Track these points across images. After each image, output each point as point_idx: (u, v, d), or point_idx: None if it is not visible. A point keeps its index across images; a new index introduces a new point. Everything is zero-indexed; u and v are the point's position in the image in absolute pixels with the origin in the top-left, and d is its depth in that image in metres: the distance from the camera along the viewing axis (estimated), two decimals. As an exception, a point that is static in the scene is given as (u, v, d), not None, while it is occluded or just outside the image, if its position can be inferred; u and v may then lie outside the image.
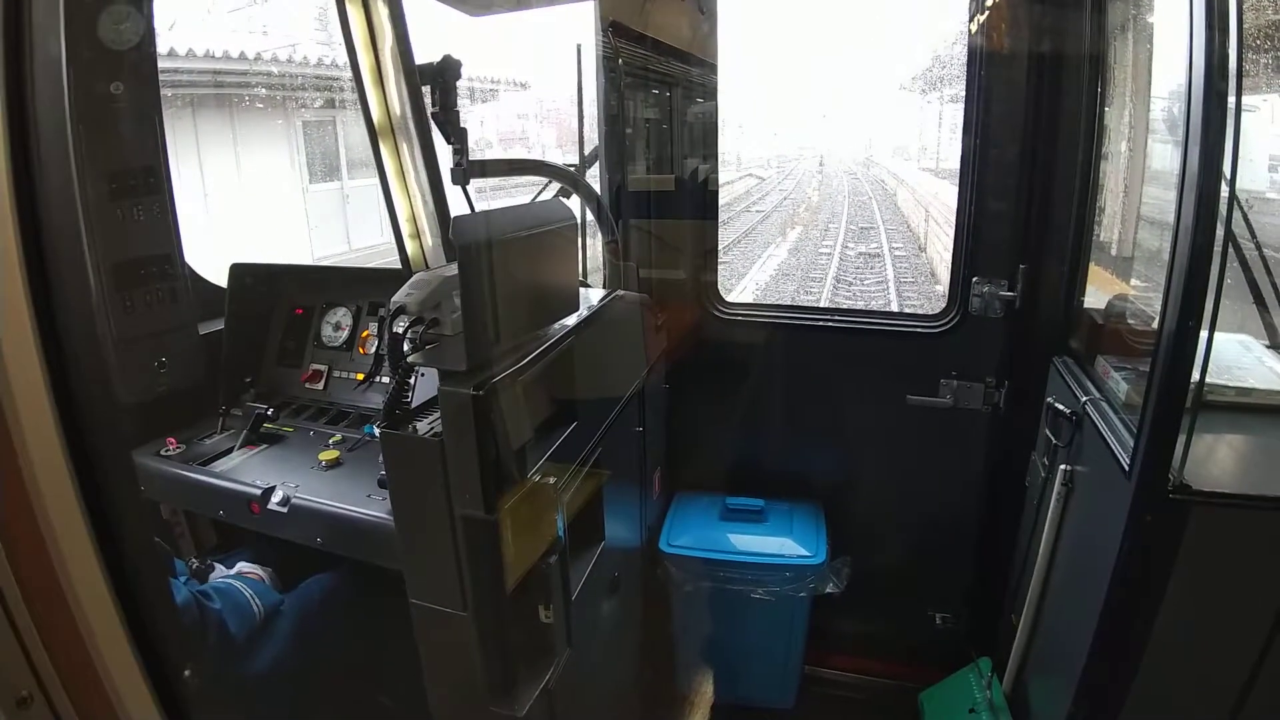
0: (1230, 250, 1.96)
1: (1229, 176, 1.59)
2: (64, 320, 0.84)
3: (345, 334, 2.69)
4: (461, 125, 2.02)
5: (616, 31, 2.78)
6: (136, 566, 0.92)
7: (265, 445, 2.39)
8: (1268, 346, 2.50)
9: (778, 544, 2.89)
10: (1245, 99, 1.57)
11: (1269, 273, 2.49)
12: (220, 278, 2.69)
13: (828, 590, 2.86)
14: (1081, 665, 1.97)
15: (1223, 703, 1.86)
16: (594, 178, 2.92)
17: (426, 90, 2.02)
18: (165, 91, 2.33)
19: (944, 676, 2.90)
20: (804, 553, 2.84)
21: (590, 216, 2.73)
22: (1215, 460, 1.90)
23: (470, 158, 2.03)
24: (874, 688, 3.27)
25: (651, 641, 2.92)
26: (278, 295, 2.76)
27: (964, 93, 2.81)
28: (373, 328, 2.65)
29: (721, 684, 3.08)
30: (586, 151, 2.84)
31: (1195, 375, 1.66)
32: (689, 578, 2.87)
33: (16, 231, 0.79)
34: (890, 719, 3.08)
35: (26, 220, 0.80)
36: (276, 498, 2.07)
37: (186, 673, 0.99)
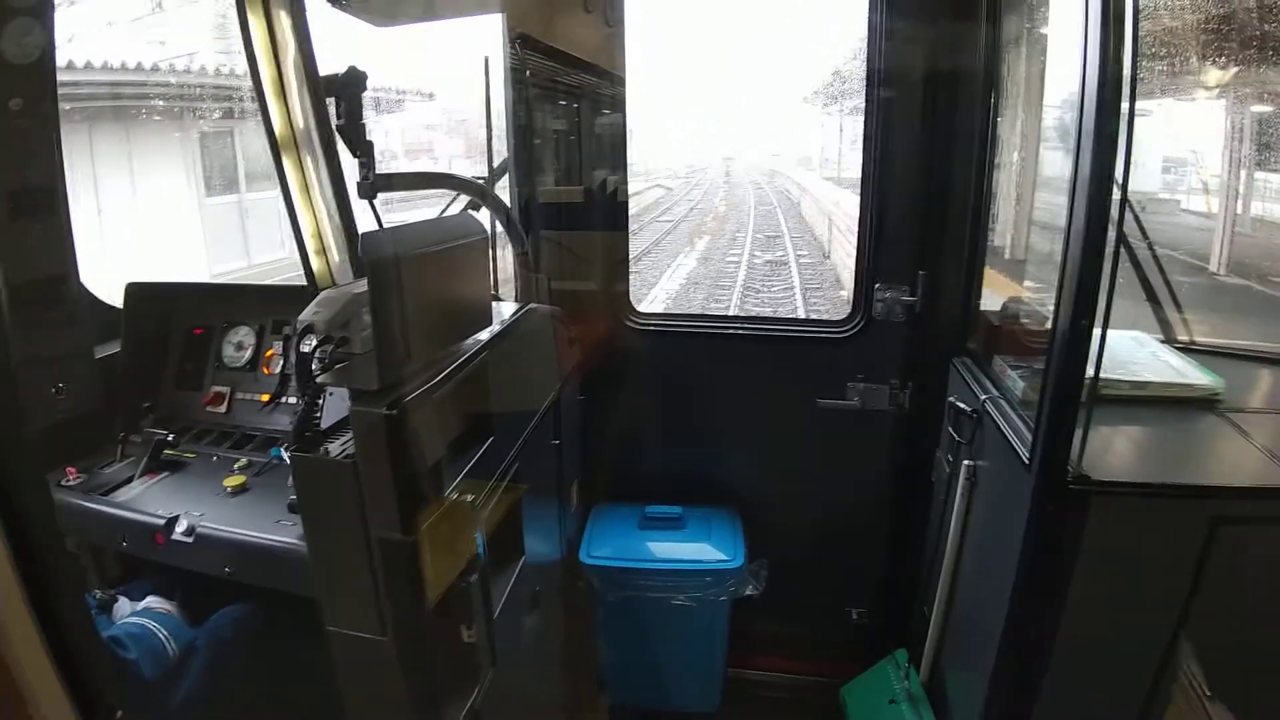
0: (1123, 250, 2.09)
1: (1120, 180, 1.67)
2: None
3: (248, 354, 2.60)
4: (368, 138, 1.98)
5: (524, 44, 2.78)
6: (66, 612, 0.87)
7: (167, 473, 2.29)
8: (1161, 341, 2.66)
9: (696, 550, 2.93)
10: (1140, 104, 1.66)
11: (1161, 271, 2.65)
12: (115, 298, 2.56)
13: (747, 593, 2.91)
14: (994, 652, 2.05)
15: (1137, 682, 1.96)
16: (503, 189, 2.91)
17: (331, 102, 1.98)
18: (63, 106, 2.21)
19: (863, 670, 2.98)
20: (722, 557, 2.88)
21: (500, 229, 2.72)
22: (1113, 451, 2.01)
23: (377, 171, 2.00)
24: (796, 685, 3.33)
25: (575, 653, 2.92)
26: (176, 315, 2.65)
27: (864, 105, 2.91)
28: (277, 347, 2.57)
29: (646, 691, 3.09)
30: (495, 164, 2.82)
31: (1090, 370, 1.75)
32: (610, 588, 2.88)
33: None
34: (813, 715, 3.15)
35: None
36: (181, 527, 1.99)
37: (119, 714, 0.95)
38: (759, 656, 3.35)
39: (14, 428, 0.88)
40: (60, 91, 2.13)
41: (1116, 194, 1.68)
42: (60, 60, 2.16)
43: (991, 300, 2.79)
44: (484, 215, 2.60)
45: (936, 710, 2.59)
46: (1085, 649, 1.94)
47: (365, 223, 2.18)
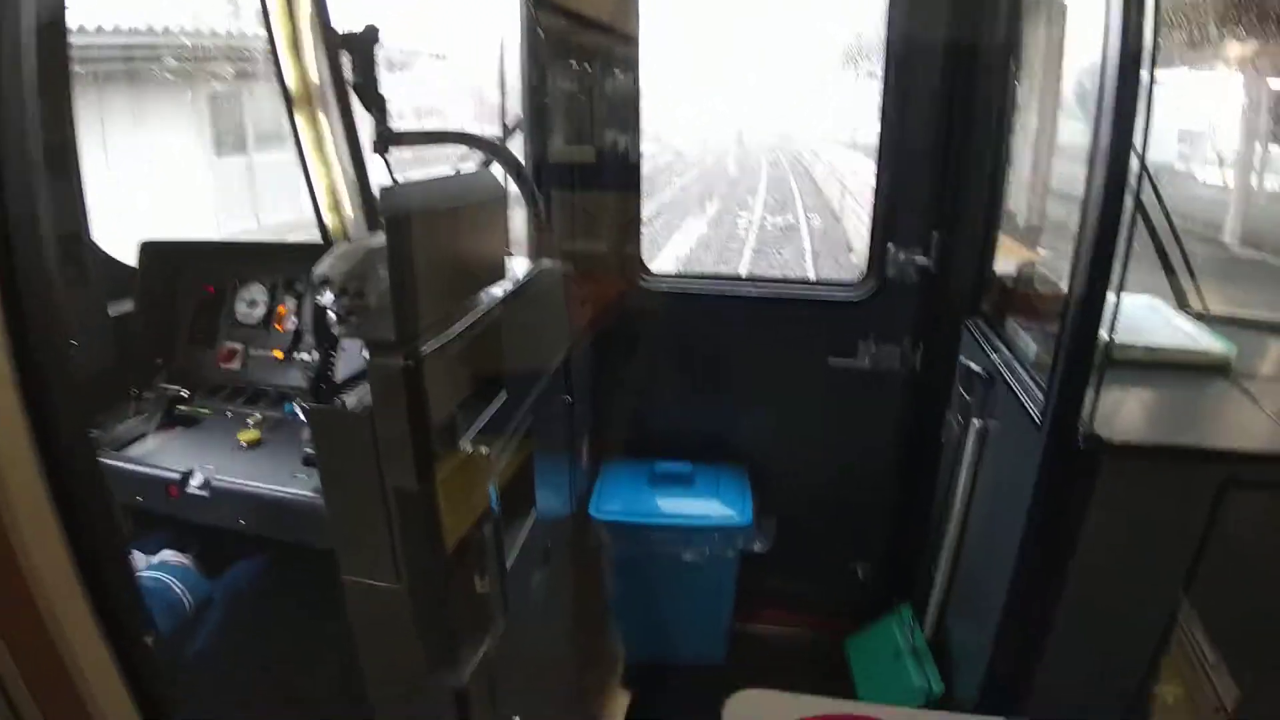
0: (1139, 218, 2.08)
1: (1140, 149, 1.67)
2: (28, 305, 0.81)
3: (261, 311, 2.61)
4: (381, 94, 1.97)
5: (539, 3, 2.75)
6: (103, 553, 0.89)
7: (181, 428, 2.31)
8: (1175, 308, 2.66)
9: (705, 506, 2.96)
10: (1158, 73, 1.65)
11: (1177, 240, 2.64)
12: (128, 257, 2.57)
13: (754, 549, 2.94)
14: (1000, 610, 2.08)
15: (1140, 645, 1.98)
16: (517, 149, 2.89)
17: (346, 59, 1.97)
18: (75, 69, 2.22)
19: (868, 625, 3.01)
20: (730, 514, 2.92)
21: (514, 188, 2.71)
22: (1124, 414, 2.01)
23: (390, 128, 1.99)
24: (801, 639, 3.39)
25: (584, 606, 2.96)
26: (189, 273, 2.66)
27: (881, 68, 2.88)
28: (290, 304, 2.58)
29: (654, 644, 3.15)
30: (509, 122, 2.81)
31: (1104, 334, 1.76)
32: (619, 543, 2.92)
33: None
34: (818, 669, 3.20)
35: None
36: (196, 481, 2.01)
37: (150, 639, 0.97)
38: (765, 611, 3.40)
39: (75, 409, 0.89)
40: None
41: (1135, 163, 1.67)
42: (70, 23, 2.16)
43: (1007, 264, 2.79)
44: (497, 174, 2.59)
45: (940, 665, 2.63)
46: (1090, 610, 1.96)
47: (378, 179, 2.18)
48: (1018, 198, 2.99)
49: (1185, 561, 1.87)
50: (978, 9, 2.67)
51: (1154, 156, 1.73)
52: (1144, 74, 1.62)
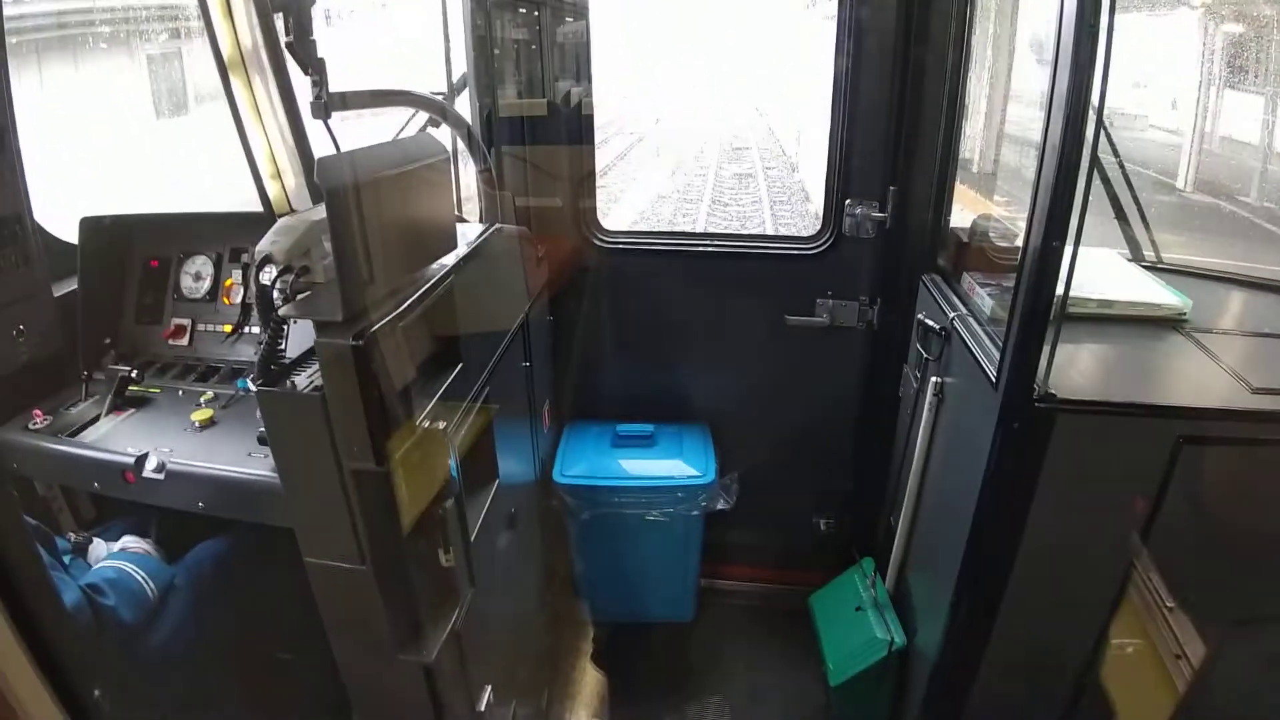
0: (1094, 171, 2.08)
1: (1097, 102, 1.65)
2: None
3: (207, 284, 2.53)
4: (319, 55, 1.90)
5: None
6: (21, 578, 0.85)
7: (133, 410, 2.25)
8: (1129, 260, 2.68)
9: (668, 466, 2.97)
10: (1115, 19, 1.63)
11: (1131, 189, 2.65)
12: (71, 233, 2.48)
13: (719, 507, 2.96)
14: (958, 562, 2.12)
15: (1099, 595, 2.03)
16: (463, 105, 2.82)
17: (279, 19, 1.88)
18: (10, 40, 2.12)
19: (831, 579, 3.07)
20: (694, 473, 2.93)
21: (462, 146, 2.64)
22: (1079, 369, 2.03)
23: (331, 89, 1.92)
24: (767, 594, 3.47)
25: (552, 571, 2.98)
26: (132, 247, 2.57)
27: (835, 14, 2.83)
28: (236, 275, 2.50)
29: (624, 604, 3.18)
30: (454, 79, 2.73)
31: (1059, 290, 1.76)
32: (584, 506, 2.92)
33: None
34: (784, 622, 3.27)
35: None
36: (151, 464, 1.96)
37: (96, 693, 0.94)
38: (731, 567, 3.46)
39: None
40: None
41: (1092, 115, 1.66)
42: None
43: (963, 216, 2.79)
44: (444, 133, 2.52)
45: (902, 617, 2.68)
46: (1047, 562, 2.00)
47: (321, 143, 2.11)
48: (974, 145, 2.98)
49: (1142, 515, 1.91)
50: None
51: (1109, 101, 1.71)
52: (1103, 19, 1.60)
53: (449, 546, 1.79)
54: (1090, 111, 1.64)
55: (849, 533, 3.29)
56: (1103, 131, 2.15)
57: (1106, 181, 2.58)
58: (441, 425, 1.75)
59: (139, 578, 1.92)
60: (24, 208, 2.23)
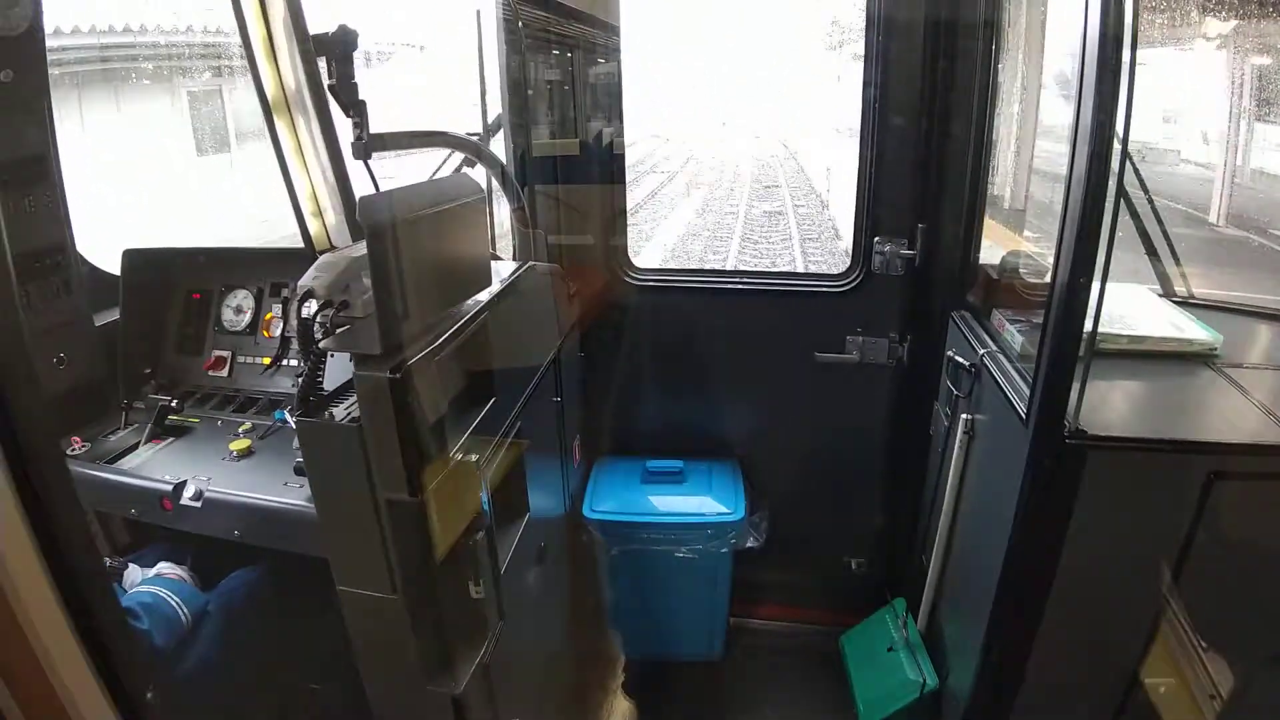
0: (1123, 202, 2.08)
1: (1122, 133, 1.66)
2: None
3: (247, 317, 2.60)
4: (360, 97, 1.96)
5: None
6: (87, 586, 0.88)
7: (172, 438, 2.30)
8: (1159, 295, 2.66)
9: (698, 503, 2.97)
10: (1140, 53, 1.64)
11: (1160, 224, 2.64)
12: (113, 264, 2.55)
13: (748, 544, 2.95)
14: (991, 602, 2.09)
15: (1131, 634, 2.00)
16: (498, 144, 2.88)
17: (322, 62, 1.95)
18: (52, 71, 2.20)
19: (862, 619, 3.03)
20: (723, 510, 2.92)
21: (496, 185, 2.70)
22: (1110, 405, 2.01)
23: (370, 129, 1.98)
24: (797, 634, 3.42)
25: (580, 606, 2.97)
26: (174, 280, 2.64)
27: (862, 54, 2.87)
28: (276, 310, 2.56)
29: (651, 641, 3.17)
30: (490, 119, 2.79)
31: (1089, 325, 1.75)
32: (613, 541, 2.92)
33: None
34: (813, 663, 3.22)
35: None
36: (189, 492, 2.00)
37: (149, 695, 0.96)
38: (760, 606, 3.43)
39: (33, 410, 0.88)
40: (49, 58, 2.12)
41: (1117, 147, 1.67)
42: (47, 25, 2.13)
43: (992, 252, 2.79)
44: (479, 172, 2.58)
45: (934, 658, 2.64)
46: (1079, 600, 1.97)
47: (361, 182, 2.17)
48: (1003, 181, 2.99)
49: (1174, 552, 1.88)
50: None
51: (1138, 135, 1.71)
52: (1125, 54, 1.60)
53: (479, 579, 1.81)
54: (1115, 145, 1.65)
55: (880, 572, 3.26)
56: (1132, 166, 2.15)
57: (1136, 216, 2.57)
58: (474, 458, 1.77)
59: (173, 603, 1.95)
60: (67, 238, 2.31)
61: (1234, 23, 3.98)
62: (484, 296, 1.95)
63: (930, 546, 2.65)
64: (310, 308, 1.64)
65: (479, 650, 1.81)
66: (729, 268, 11.85)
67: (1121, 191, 1.82)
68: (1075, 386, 1.80)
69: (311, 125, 2.36)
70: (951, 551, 2.59)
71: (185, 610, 1.95)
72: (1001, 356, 2.28)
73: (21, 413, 0.82)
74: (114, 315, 2.50)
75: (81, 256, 2.44)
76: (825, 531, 3.28)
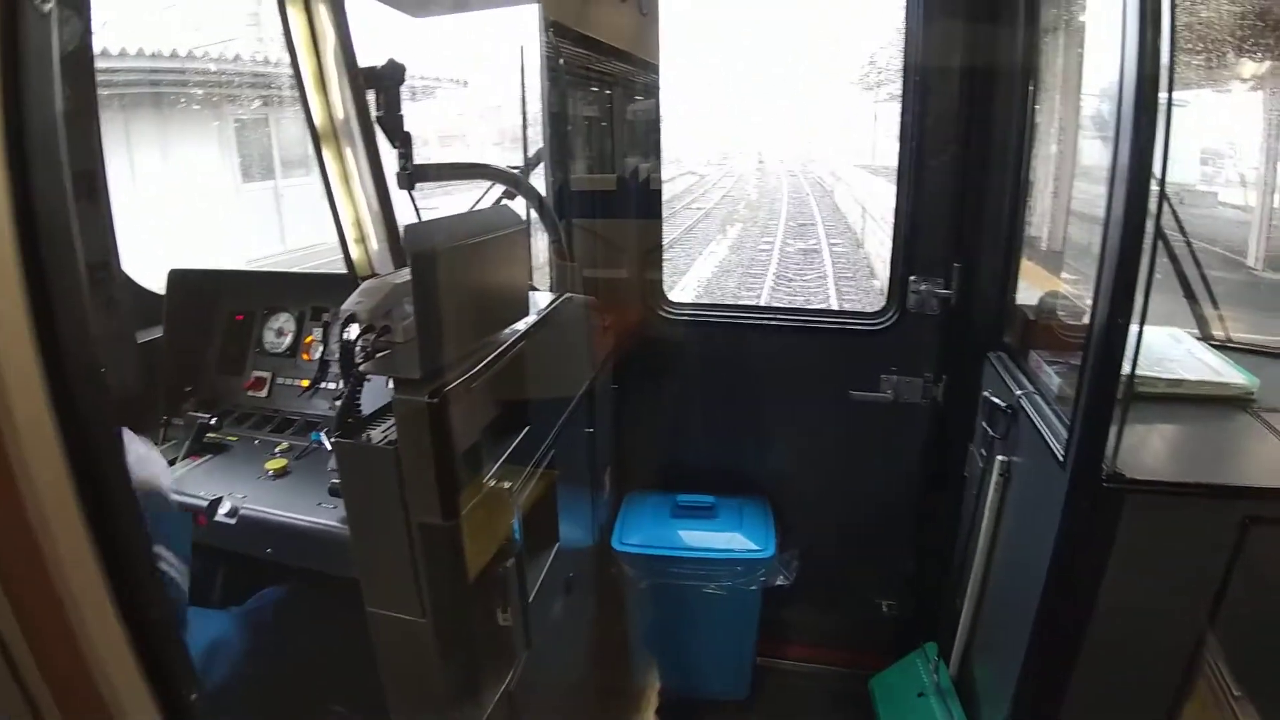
0: (1160, 244, 2.06)
1: (1159, 174, 1.65)
2: (63, 329, 0.82)
3: (288, 340, 2.65)
4: (405, 129, 2.01)
5: (559, 32, 2.79)
6: (141, 586, 0.90)
7: (209, 455, 2.34)
8: (1197, 338, 2.63)
9: (727, 539, 2.95)
10: (1177, 94, 1.64)
11: (1198, 266, 2.61)
12: (154, 283, 2.62)
13: (778, 582, 2.92)
14: (1024, 648, 2.05)
15: (1165, 680, 1.95)
16: (538, 178, 2.92)
17: (370, 94, 2.01)
18: (100, 92, 2.29)
19: (892, 662, 2.98)
20: (753, 547, 2.90)
21: (534, 217, 2.74)
22: (1148, 449, 1.99)
23: (414, 161, 2.03)
24: (825, 675, 3.36)
25: (607, 639, 2.95)
26: (217, 301, 2.71)
27: (900, 93, 2.89)
28: (316, 334, 2.62)
29: (676, 677, 3.13)
30: (530, 153, 2.84)
31: (1126, 368, 1.74)
32: (642, 575, 2.91)
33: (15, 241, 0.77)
34: (841, 706, 3.16)
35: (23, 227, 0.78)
36: (224, 509, 2.03)
37: (193, 696, 0.97)
38: (789, 646, 3.37)
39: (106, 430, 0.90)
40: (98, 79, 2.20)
41: (1155, 188, 1.66)
42: (95, 46, 2.22)
43: (1028, 293, 2.77)
44: (518, 204, 2.62)
45: (965, 704, 2.59)
46: (1114, 646, 1.93)
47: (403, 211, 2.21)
48: (1040, 223, 2.98)
49: (1209, 597, 1.85)
50: (995, 31, 2.66)
51: (1176, 177, 1.70)
52: (1162, 96, 1.60)
53: (507, 606, 1.81)
54: (1153, 186, 1.64)
55: (912, 615, 3.20)
56: (1169, 208, 2.14)
57: (1174, 259, 2.55)
58: (506, 485, 1.78)
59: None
60: (112, 254, 2.37)
61: (1270, 64, 3.97)
62: (521, 326, 1.97)
63: (964, 590, 2.61)
64: (352, 331, 1.68)
65: (504, 678, 1.81)
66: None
67: (1159, 233, 1.81)
68: (1113, 429, 1.78)
69: (358, 154, 2.41)
70: (985, 595, 2.55)
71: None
72: (1039, 398, 2.26)
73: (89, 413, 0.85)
74: (156, 333, 2.57)
75: (126, 274, 2.51)
76: (856, 572, 3.24)
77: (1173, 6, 1.59)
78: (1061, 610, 1.95)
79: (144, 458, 1.49)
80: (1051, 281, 2.84)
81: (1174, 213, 2.47)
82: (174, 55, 8.99)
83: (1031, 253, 2.87)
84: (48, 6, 0.78)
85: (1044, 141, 2.81)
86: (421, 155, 2.06)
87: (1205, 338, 2.68)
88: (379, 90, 1.96)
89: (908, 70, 2.80)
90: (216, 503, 2.04)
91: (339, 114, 2.38)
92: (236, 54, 9.46)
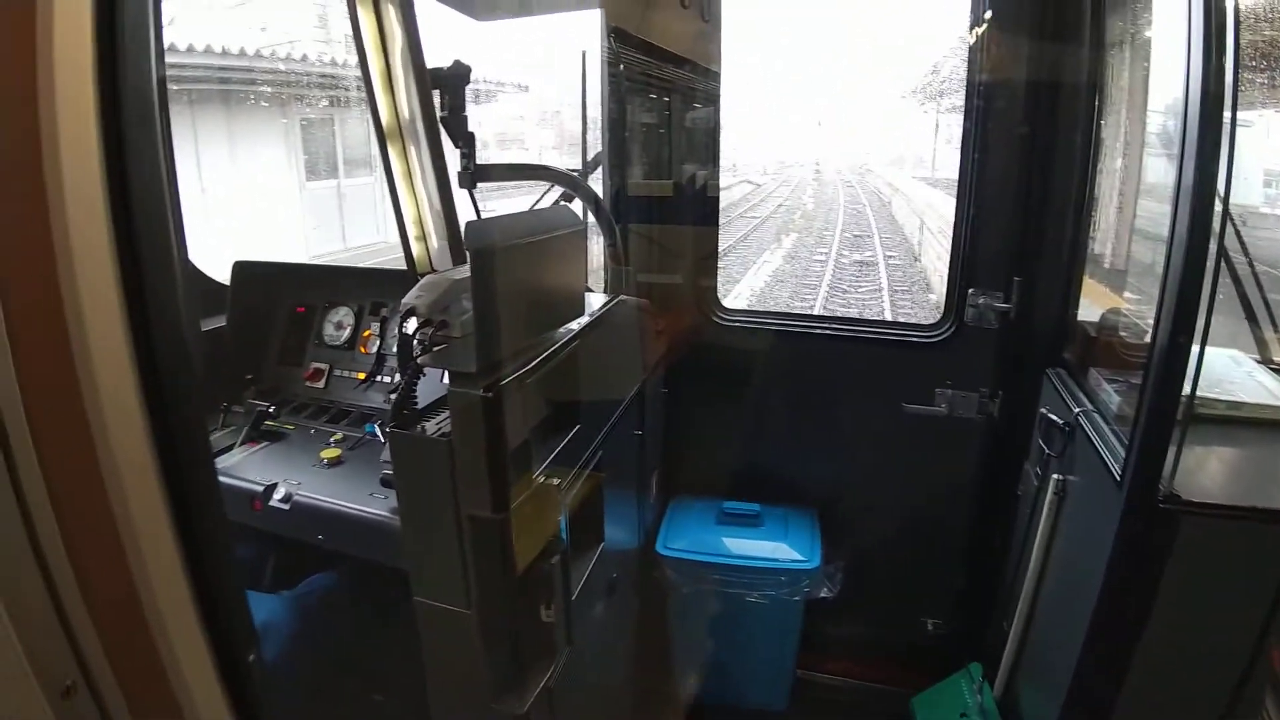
0: (1223, 265, 2.00)
1: (1223, 193, 1.62)
2: (156, 320, 0.85)
3: (347, 333, 2.71)
4: (469, 129, 2.04)
5: (620, 38, 2.81)
6: (213, 554, 0.93)
7: (266, 443, 2.41)
8: (1258, 361, 2.55)
9: (772, 548, 2.93)
10: (1240, 114, 1.61)
11: (1260, 288, 2.53)
12: (218, 274, 2.70)
13: (821, 595, 2.89)
14: (1072, 672, 2.01)
15: (1213, 708, 1.90)
16: (596, 181, 2.95)
17: (436, 94, 2.04)
18: (170, 87, 2.37)
19: (935, 681, 2.93)
20: (798, 557, 2.88)
21: (591, 219, 2.76)
22: (1205, 471, 1.93)
23: (476, 161, 2.06)
24: (866, 691, 3.30)
25: (647, 642, 2.95)
26: (280, 293, 2.78)
27: (962, 105, 2.85)
28: (374, 327, 2.67)
29: (715, 685, 3.11)
30: (589, 157, 2.87)
31: (1186, 389, 1.70)
32: (685, 580, 2.90)
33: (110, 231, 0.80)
34: (883, 723, 3.11)
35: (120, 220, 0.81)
36: (278, 494, 2.09)
37: (251, 658, 1.00)
38: (830, 660, 3.33)
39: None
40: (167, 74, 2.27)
41: (1219, 207, 1.62)
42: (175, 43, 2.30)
43: (1089, 310, 2.71)
44: (576, 206, 2.64)
45: (1009, 728, 2.54)
46: (1163, 670, 1.89)
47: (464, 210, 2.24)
48: (1104, 240, 2.91)
49: (1262, 623, 1.79)
50: (1060, 45, 2.62)
51: (1239, 199, 1.67)
52: (1225, 115, 1.57)
53: (551, 603, 1.82)
54: (1216, 206, 1.61)
55: (958, 634, 3.14)
56: (1233, 229, 2.08)
57: (1236, 280, 2.47)
58: (556, 482, 1.79)
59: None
60: (177, 243, 2.44)
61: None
62: (575, 326, 1.99)
63: (1013, 610, 2.56)
64: (411, 325, 1.71)
65: (545, 673, 1.82)
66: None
67: (1222, 253, 1.76)
68: (1171, 450, 1.74)
69: (422, 154, 2.46)
70: (1034, 617, 2.49)
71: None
72: (1097, 416, 2.21)
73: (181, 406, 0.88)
74: (220, 322, 2.64)
75: (192, 264, 2.59)
76: (902, 588, 3.19)
77: (1236, 25, 1.57)
78: (1112, 632, 1.91)
79: None
80: (1113, 300, 2.78)
81: (1238, 233, 2.40)
82: (241, 54, 9.25)
83: (1095, 269, 2.81)
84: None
85: (1109, 157, 2.75)
86: (481, 157, 2.09)
87: (1265, 361, 2.60)
88: (444, 91, 2.00)
89: (971, 81, 2.76)
90: (271, 488, 2.10)
91: (405, 113, 2.43)
92: (304, 54, 9.69)
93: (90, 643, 0.83)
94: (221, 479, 2.16)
